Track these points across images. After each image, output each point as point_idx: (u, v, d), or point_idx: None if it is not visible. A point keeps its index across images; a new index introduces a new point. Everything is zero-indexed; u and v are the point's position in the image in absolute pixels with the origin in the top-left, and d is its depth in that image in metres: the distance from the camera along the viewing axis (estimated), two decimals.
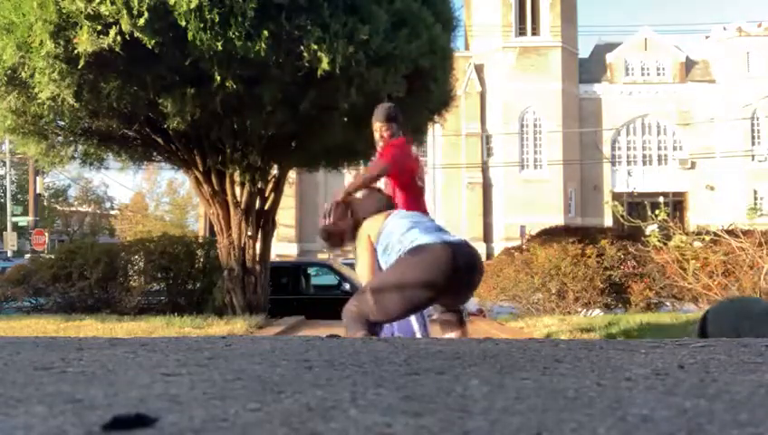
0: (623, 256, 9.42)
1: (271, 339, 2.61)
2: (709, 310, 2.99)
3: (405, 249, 3.25)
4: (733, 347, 1.97)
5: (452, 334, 3.90)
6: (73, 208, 51.02)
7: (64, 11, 6.80)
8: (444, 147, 39.90)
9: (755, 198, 39.41)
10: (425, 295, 3.22)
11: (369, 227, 3.55)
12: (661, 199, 35.27)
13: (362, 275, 3.55)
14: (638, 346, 2.07)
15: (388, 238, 3.39)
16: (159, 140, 9.57)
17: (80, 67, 6.93)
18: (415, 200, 4.47)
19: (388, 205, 3.75)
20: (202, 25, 6.88)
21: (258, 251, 9.97)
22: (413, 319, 4.52)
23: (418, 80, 8.68)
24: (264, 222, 10.13)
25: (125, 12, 6.68)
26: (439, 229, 3.48)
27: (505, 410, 1.08)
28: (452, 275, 3.15)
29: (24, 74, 7.30)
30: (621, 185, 40.43)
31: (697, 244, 5.99)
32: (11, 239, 29.24)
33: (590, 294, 9.36)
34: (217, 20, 6.89)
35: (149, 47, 6.91)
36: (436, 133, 34.66)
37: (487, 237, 39.07)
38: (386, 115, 4.60)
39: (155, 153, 10.56)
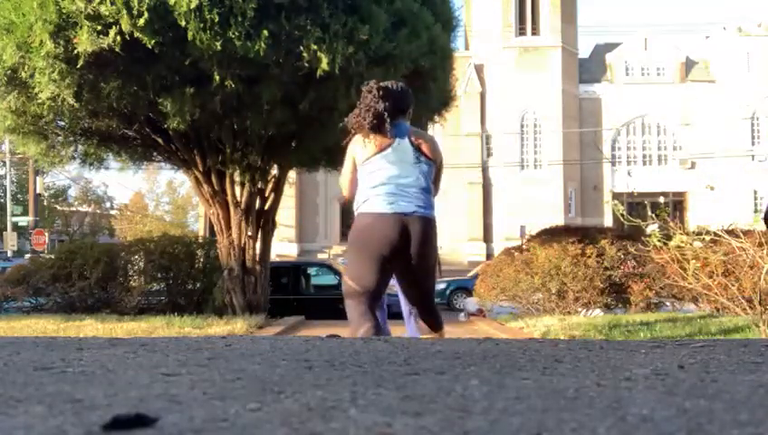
0: (623, 256, 9.42)
1: (271, 339, 2.61)
2: None
3: (358, 208, 3.69)
4: (733, 347, 1.97)
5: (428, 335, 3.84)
6: (73, 208, 50.99)
7: (64, 11, 6.80)
8: (444, 147, 39.79)
9: (755, 198, 39.40)
10: (376, 261, 3.58)
11: (356, 149, 3.77)
12: (661, 199, 35.25)
13: (342, 184, 3.91)
14: (638, 346, 2.07)
15: (366, 179, 3.72)
16: (159, 140, 9.57)
17: (79, 67, 6.93)
18: None
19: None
20: (202, 25, 6.87)
21: (258, 251, 9.97)
22: (406, 322, 4.55)
23: (418, 80, 8.68)
24: (264, 222, 10.13)
25: (125, 12, 6.68)
26: (402, 193, 3.68)
27: (505, 410, 1.08)
28: (387, 240, 3.57)
29: (23, 74, 7.30)
30: (621, 185, 40.39)
31: (697, 244, 5.98)
32: (11, 239, 29.23)
33: (590, 294, 9.36)
34: (217, 20, 6.89)
35: (149, 47, 6.91)
36: (436, 133, 34.59)
37: (487, 237, 39.07)
38: None
39: (155, 153, 10.56)
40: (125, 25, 6.73)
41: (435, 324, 3.89)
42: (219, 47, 6.97)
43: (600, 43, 43.21)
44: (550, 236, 10.79)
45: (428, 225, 3.73)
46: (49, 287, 10.17)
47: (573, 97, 40.59)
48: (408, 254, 3.63)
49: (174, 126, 8.06)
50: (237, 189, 9.95)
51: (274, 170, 10.24)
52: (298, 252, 37.77)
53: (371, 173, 3.68)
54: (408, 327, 4.74)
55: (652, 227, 6.18)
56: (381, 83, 3.79)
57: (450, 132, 35.67)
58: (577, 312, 9.28)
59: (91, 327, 7.74)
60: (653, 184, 40.27)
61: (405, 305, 4.60)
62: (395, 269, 3.73)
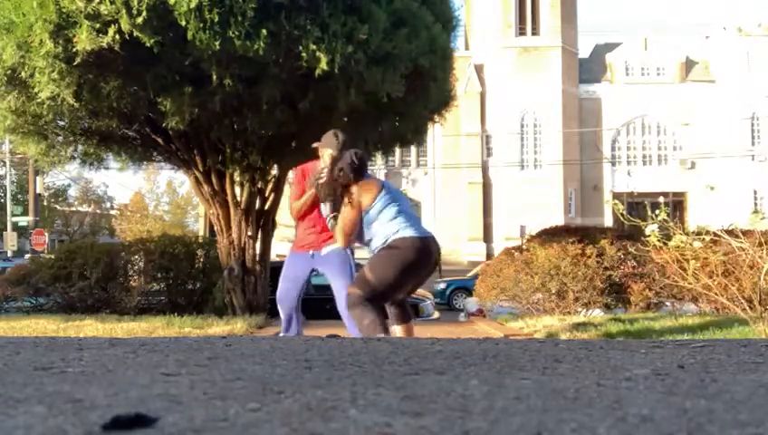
0: (623, 256, 9.41)
1: (271, 339, 2.61)
2: None
3: (390, 238, 4.13)
4: (733, 347, 1.97)
5: (398, 329, 4.23)
6: (73, 208, 50.99)
7: (64, 10, 6.79)
8: (444, 147, 39.89)
9: (755, 198, 39.40)
10: (404, 273, 4.13)
11: (363, 193, 4.19)
12: (661, 199, 35.23)
13: (339, 231, 4.27)
14: (638, 346, 2.07)
15: (376, 218, 4.17)
16: (159, 139, 9.57)
17: (79, 66, 6.93)
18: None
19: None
20: (202, 25, 6.87)
21: (258, 251, 9.97)
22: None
23: (418, 80, 8.68)
24: (264, 222, 10.13)
25: (124, 11, 6.68)
26: (416, 219, 4.35)
27: (505, 410, 1.08)
28: (424, 260, 4.17)
29: (23, 74, 7.30)
30: (621, 185, 40.39)
31: (697, 244, 5.97)
32: (11, 239, 29.22)
33: (590, 294, 9.36)
34: (217, 20, 6.89)
35: (149, 46, 6.91)
36: (435, 133, 34.64)
37: (487, 237, 39.05)
38: (343, 144, 4.54)
39: (155, 153, 10.57)
40: (124, 24, 6.72)
41: (408, 315, 4.40)
42: (219, 47, 6.97)
43: (600, 43, 43.22)
44: (550, 236, 10.78)
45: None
46: (49, 287, 10.18)
47: (573, 97, 40.59)
48: (427, 268, 4.27)
49: (172, 125, 8.06)
50: (237, 189, 9.95)
51: (274, 170, 10.24)
52: None
53: (381, 211, 4.18)
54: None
55: (652, 227, 6.17)
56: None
57: (450, 132, 35.69)
58: (577, 312, 9.28)
59: (91, 327, 7.74)
60: (653, 184, 40.27)
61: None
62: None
